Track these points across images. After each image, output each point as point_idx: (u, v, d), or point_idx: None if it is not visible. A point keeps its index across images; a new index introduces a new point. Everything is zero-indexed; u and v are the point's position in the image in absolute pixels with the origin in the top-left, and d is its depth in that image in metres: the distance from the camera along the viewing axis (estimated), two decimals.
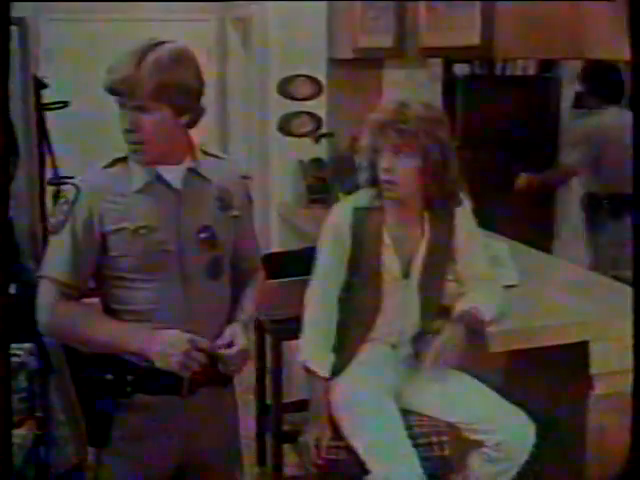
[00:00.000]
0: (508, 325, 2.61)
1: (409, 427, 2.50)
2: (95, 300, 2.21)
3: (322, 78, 4.94)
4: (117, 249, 2.10)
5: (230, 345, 2.15)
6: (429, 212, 2.51)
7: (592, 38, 3.42)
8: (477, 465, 2.53)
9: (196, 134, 2.22)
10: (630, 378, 2.66)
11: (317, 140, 4.87)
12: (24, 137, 3.77)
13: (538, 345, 2.64)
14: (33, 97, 3.97)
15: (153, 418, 2.16)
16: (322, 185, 4.76)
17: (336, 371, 2.53)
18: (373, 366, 2.56)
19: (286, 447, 3.37)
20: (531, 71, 6.09)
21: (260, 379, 3.61)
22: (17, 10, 2.91)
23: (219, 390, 2.25)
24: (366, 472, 2.41)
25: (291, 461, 3.41)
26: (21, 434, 2.55)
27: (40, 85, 4.20)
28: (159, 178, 2.13)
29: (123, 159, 2.15)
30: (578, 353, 2.64)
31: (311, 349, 2.52)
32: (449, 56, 4.95)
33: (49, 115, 4.42)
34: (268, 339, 3.45)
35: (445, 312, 2.59)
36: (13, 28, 3.46)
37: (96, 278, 2.18)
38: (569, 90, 5.70)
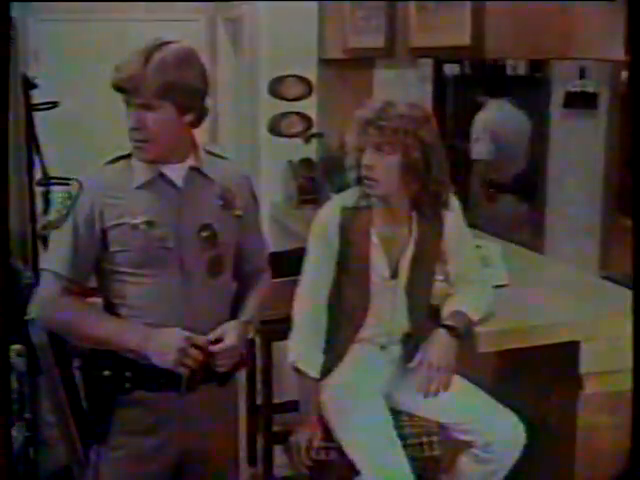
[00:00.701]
0: (498, 325, 2.61)
1: (399, 427, 2.51)
2: (98, 300, 2.24)
3: (312, 78, 4.94)
4: (117, 244, 2.13)
5: (218, 341, 2.16)
6: (417, 212, 2.50)
7: (582, 38, 3.42)
8: (467, 465, 2.54)
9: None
10: (620, 377, 2.68)
11: (307, 140, 4.87)
12: (13, 138, 3.76)
13: (528, 345, 2.64)
14: (22, 97, 3.96)
15: (152, 414, 2.19)
16: (312, 185, 4.76)
17: (326, 371, 2.53)
18: (362, 366, 2.55)
19: (276, 448, 3.37)
20: (521, 71, 6.10)
21: (250, 379, 3.60)
22: None
23: (219, 387, 2.26)
24: (356, 473, 2.41)
25: (281, 462, 3.40)
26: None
27: (29, 85, 4.19)
28: (161, 176, 2.16)
29: (126, 156, 2.19)
30: (568, 353, 2.64)
31: (301, 349, 2.52)
32: (440, 56, 4.94)
33: (38, 115, 4.41)
34: (258, 340, 3.44)
35: (434, 312, 2.59)
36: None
37: (97, 273, 2.22)
38: (559, 90, 5.70)
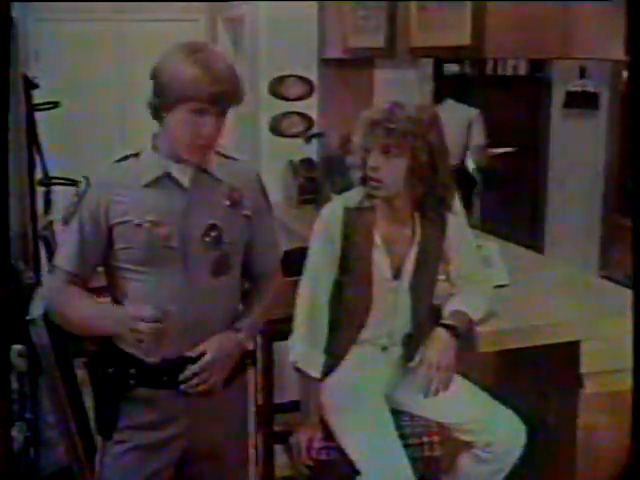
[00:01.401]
0: (498, 325, 2.61)
1: (400, 427, 2.51)
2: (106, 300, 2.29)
3: (313, 78, 4.94)
4: (122, 241, 2.15)
5: (196, 360, 2.16)
6: (420, 213, 2.50)
7: (582, 38, 3.43)
8: (467, 466, 2.54)
9: None
10: (620, 377, 2.68)
11: (308, 140, 4.87)
12: (14, 138, 3.75)
13: (528, 345, 2.64)
14: (23, 97, 3.96)
15: (157, 410, 2.20)
16: (313, 185, 4.76)
17: (327, 372, 2.53)
18: (364, 367, 2.56)
19: (277, 447, 3.37)
20: (522, 71, 6.11)
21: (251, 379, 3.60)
22: None
23: (222, 388, 2.25)
24: (357, 472, 2.41)
25: (282, 461, 3.40)
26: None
27: (30, 85, 4.19)
28: (168, 175, 2.16)
29: (135, 155, 2.20)
30: (568, 353, 2.65)
31: (302, 350, 2.52)
32: (440, 56, 4.95)
33: (39, 115, 4.41)
34: (259, 339, 3.44)
35: (435, 312, 2.60)
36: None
37: (106, 270, 2.25)
38: (560, 90, 5.71)
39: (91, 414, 2.70)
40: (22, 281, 2.92)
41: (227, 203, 2.22)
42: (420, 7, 3.98)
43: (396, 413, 2.54)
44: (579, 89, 5.17)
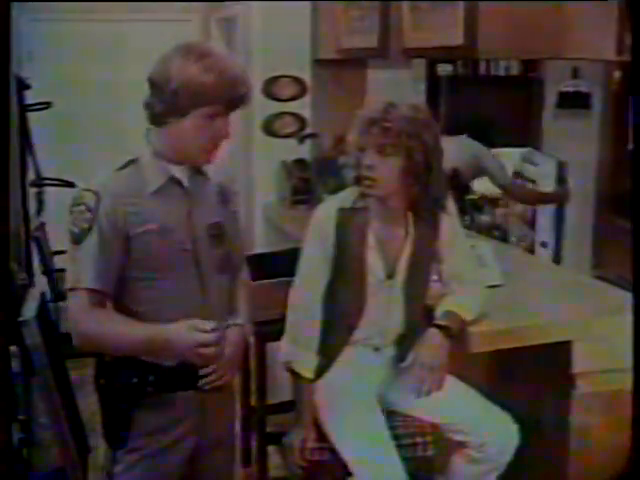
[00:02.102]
0: (491, 325, 2.61)
1: (393, 428, 2.51)
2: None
3: (306, 78, 4.94)
4: (139, 251, 2.12)
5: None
6: (413, 214, 2.50)
7: (575, 39, 3.43)
8: (460, 466, 2.55)
9: None
10: (612, 377, 2.69)
11: (301, 141, 4.87)
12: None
13: (521, 345, 2.64)
14: (15, 98, 3.96)
15: (169, 413, 2.21)
16: (306, 186, 4.76)
17: (320, 372, 2.53)
18: (356, 368, 2.56)
19: (270, 448, 3.37)
20: (514, 71, 6.12)
21: (244, 380, 3.60)
22: None
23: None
24: (350, 473, 2.42)
25: (276, 462, 3.40)
26: None
27: (22, 86, 4.18)
28: (172, 178, 2.18)
29: (134, 161, 2.18)
30: (561, 353, 2.65)
31: (295, 350, 2.52)
32: (433, 56, 4.95)
33: (31, 116, 4.40)
34: (252, 340, 3.45)
35: (428, 313, 2.60)
36: None
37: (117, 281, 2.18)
38: (552, 90, 5.73)
39: (85, 416, 2.71)
40: (15, 282, 2.92)
41: (219, 200, 2.28)
42: (413, 8, 3.98)
43: (389, 413, 2.54)
44: (572, 89, 5.18)
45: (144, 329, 2.10)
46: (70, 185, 4.33)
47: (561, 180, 4.77)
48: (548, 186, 4.81)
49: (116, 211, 2.08)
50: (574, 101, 5.20)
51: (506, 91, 6.04)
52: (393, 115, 2.35)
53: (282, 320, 2.56)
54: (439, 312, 2.55)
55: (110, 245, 2.09)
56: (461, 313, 2.54)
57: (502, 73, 6.19)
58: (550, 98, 5.76)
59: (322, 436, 2.51)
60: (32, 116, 4.41)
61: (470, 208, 5.15)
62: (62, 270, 3.49)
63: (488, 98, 5.90)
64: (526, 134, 5.95)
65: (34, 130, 4.43)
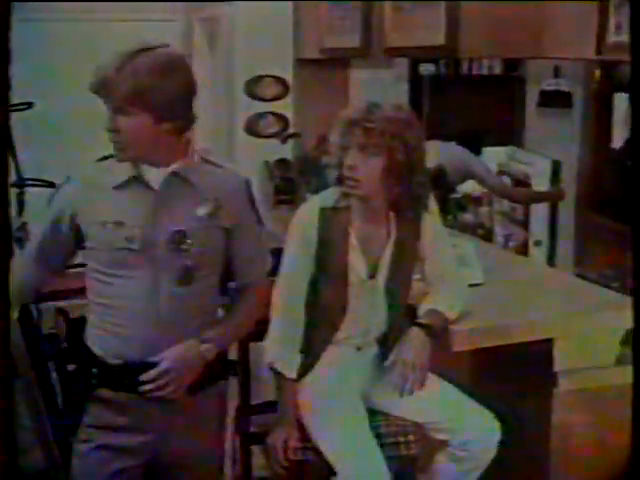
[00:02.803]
0: (473, 324, 2.62)
1: (375, 427, 2.51)
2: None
3: (288, 78, 4.94)
4: (90, 241, 2.18)
5: (154, 365, 2.15)
6: (396, 213, 2.51)
7: (556, 38, 3.45)
8: (443, 464, 2.55)
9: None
10: (594, 375, 2.71)
11: (284, 141, 4.87)
12: None
13: (503, 343, 2.65)
14: None
15: (127, 416, 2.19)
16: (289, 186, 4.76)
17: (303, 372, 2.53)
18: (339, 367, 2.56)
19: (254, 448, 3.36)
20: (497, 70, 6.14)
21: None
22: None
23: (191, 396, 2.23)
24: (333, 473, 2.42)
25: (259, 462, 3.40)
26: None
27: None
28: (139, 177, 2.17)
29: (112, 156, 2.20)
30: (542, 351, 2.66)
31: (278, 350, 2.52)
32: (415, 56, 4.97)
33: (12, 116, 4.38)
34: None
35: (411, 312, 2.60)
36: None
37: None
38: (534, 89, 5.75)
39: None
40: None
41: (201, 212, 2.18)
42: (395, 7, 4.00)
43: (372, 413, 2.55)
44: (553, 88, 5.20)
45: None
46: (52, 185, 4.31)
47: (555, 179, 4.79)
48: (542, 185, 4.83)
49: (73, 198, 2.21)
50: (556, 100, 5.22)
51: (488, 90, 6.06)
52: (375, 115, 2.35)
53: (265, 320, 2.56)
54: (421, 311, 2.56)
55: (55, 227, 2.23)
56: (443, 312, 2.55)
57: (484, 72, 6.21)
58: (532, 97, 5.79)
59: (305, 436, 2.51)
60: (12, 116, 4.38)
61: (454, 207, 5.17)
62: None
63: (470, 97, 5.93)
64: (509, 133, 5.97)
65: (15, 130, 4.40)
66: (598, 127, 4.59)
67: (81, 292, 2.30)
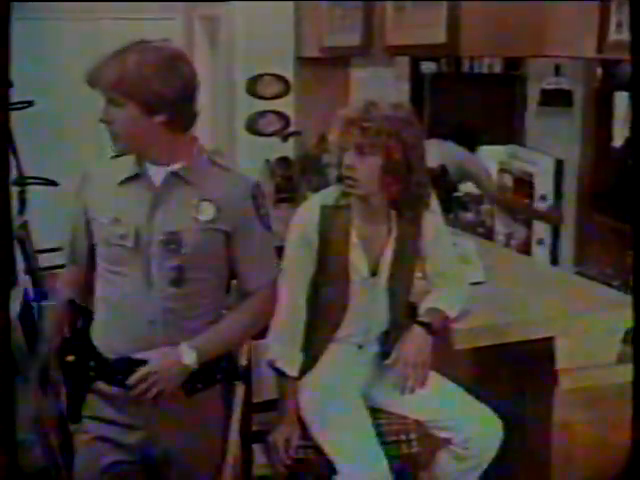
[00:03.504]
0: (474, 322, 2.62)
1: (377, 425, 2.51)
2: None
3: (289, 77, 4.94)
4: (96, 237, 2.24)
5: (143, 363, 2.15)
6: (396, 211, 2.51)
7: (557, 37, 3.45)
8: (445, 462, 2.55)
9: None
10: (595, 373, 2.71)
11: (285, 139, 4.87)
12: None
13: (504, 341, 2.65)
14: None
15: (123, 411, 2.21)
16: (289, 184, 4.76)
17: (304, 371, 2.53)
18: (340, 365, 2.56)
19: (255, 447, 3.36)
20: (497, 69, 6.13)
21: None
22: None
23: (196, 396, 2.24)
24: (335, 472, 2.42)
25: (260, 461, 3.40)
26: None
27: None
28: (142, 175, 2.18)
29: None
30: (543, 349, 2.66)
31: (279, 348, 2.51)
32: (416, 54, 4.96)
33: (13, 115, 4.38)
34: None
35: (412, 310, 2.60)
36: None
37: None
38: (535, 87, 5.74)
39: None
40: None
41: (200, 214, 2.16)
42: (396, 6, 4.00)
43: (373, 411, 2.55)
44: (554, 87, 5.19)
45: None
46: (53, 184, 4.32)
47: (559, 178, 4.79)
48: (545, 184, 4.83)
49: (86, 193, 2.26)
50: (556, 99, 5.20)
51: (489, 89, 6.04)
52: (373, 114, 2.34)
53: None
54: (422, 309, 2.56)
55: (76, 222, 2.31)
56: (444, 310, 2.55)
57: (485, 71, 6.19)
58: (533, 95, 5.78)
59: (306, 434, 2.51)
60: (13, 115, 4.38)
61: (455, 205, 5.17)
62: (45, 269, 3.50)
63: (472, 96, 5.91)
64: (509, 131, 5.96)
65: (19, 129, 4.41)
66: (599, 126, 4.58)
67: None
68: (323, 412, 2.50)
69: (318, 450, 2.48)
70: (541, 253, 4.85)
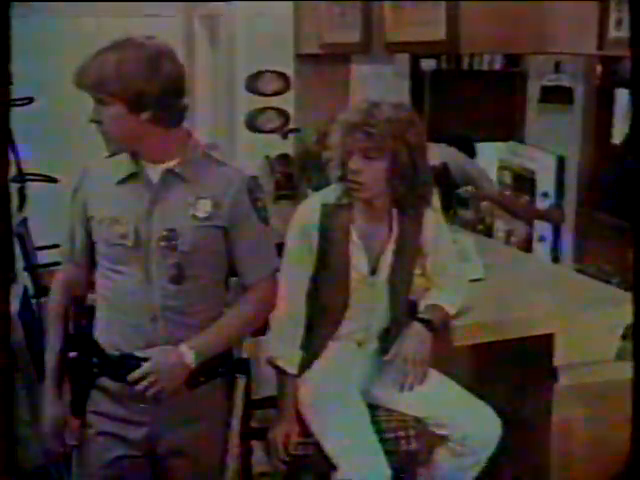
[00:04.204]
0: (474, 318, 2.63)
1: (376, 422, 2.51)
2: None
3: (289, 74, 4.94)
4: (95, 235, 2.23)
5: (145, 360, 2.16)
6: (398, 210, 2.50)
7: (556, 33, 3.45)
8: (443, 459, 2.55)
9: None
10: (593, 370, 2.71)
11: (285, 136, 4.87)
12: None
13: (503, 338, 2.66)
14: None
15: (126, 407, 2.22)
16: (289, 181, 4.76)
17: (303, 368, 2.53)
18: (340, 363, 2.56)
19: (254, 443, 3.37)
20: (498, 66, 6.12)
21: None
22: None
23: (190, 391, 2.23)
24: (333, 467, 2.42)
25: (259, 457, 3.40)
26: None
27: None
28: (139, 174, 2.17)
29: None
30: (542, 346, 2.66)
31: (279, 346, 2.51)
32: (416, 51, 4.95)
33: (12, 111, 4.38)
34: None
35: (412, 307, 2.61)
36: None
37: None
38: (535, 84, 5.74)
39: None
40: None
41: (195, 210, 2.16)
42: (395, 3, 3.99)
43: (372, 407, 2.55)
44: (554, 83, 5.19)
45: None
46: (53, 180, 4.31)
47: (560, 175, 4.78)
48: (546, 181, 4.83)
49: (85, 191, 2.25)
50: (557, 95, 5.20)
51: (489, 85, 6.04)
52: (376, 118, 2.32)
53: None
54: (422, 306, 2.56)
55: (75, 220, 2.28)
56: (444, 307, 2.55)
57: (485, 68, 6.19)
58: (533, 92, 5.77)
59: (306, 431, 2.51)
60: (13, 111, 4.38)
61: (455, 203, 5.16)
62: (45, 266, 3.50)
63: (472, 93, 5.91)
64: (510, 128, 5.95)
65: (18, 126, 4.41)
66: (599, 123, 4.58)
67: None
68: (322, 409, 2.50)
69: (317, 446, 2.48)
70: (542, 250, 4.84)
